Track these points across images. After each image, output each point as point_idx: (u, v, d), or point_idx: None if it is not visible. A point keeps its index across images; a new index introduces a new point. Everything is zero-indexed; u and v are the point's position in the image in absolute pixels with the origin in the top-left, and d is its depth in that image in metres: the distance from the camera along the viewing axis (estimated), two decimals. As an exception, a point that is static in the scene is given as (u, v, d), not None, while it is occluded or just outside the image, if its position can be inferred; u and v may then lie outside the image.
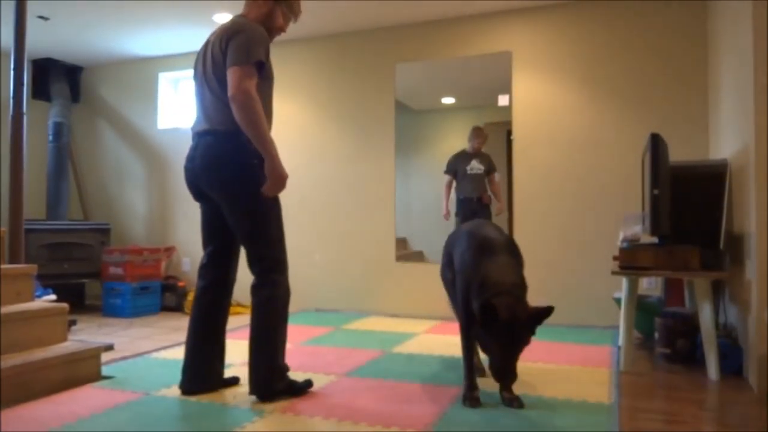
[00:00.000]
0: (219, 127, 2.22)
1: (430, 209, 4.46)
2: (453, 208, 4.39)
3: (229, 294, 2.45)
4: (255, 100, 2.11)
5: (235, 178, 2.21)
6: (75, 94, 5.56)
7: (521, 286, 2.11)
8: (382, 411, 2.13)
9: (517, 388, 2.38)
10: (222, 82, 2.20)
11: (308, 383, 2.39)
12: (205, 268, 2.41)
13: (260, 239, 2.26)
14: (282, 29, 2.41)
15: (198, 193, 2.36)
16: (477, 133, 4.36)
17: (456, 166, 4.43)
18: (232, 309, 4.52)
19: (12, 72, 2.82)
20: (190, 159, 2.31)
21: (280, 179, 2.18)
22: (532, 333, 2.03)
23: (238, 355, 3.06)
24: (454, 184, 4.41)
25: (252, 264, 2.28)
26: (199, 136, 2.29)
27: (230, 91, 2.11)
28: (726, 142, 3.18)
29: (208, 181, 2.26)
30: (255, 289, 2.27)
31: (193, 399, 2.27)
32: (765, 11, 2.46)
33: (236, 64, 2.13)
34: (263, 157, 2.16)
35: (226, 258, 2.41)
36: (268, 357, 2.24)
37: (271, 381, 2.25)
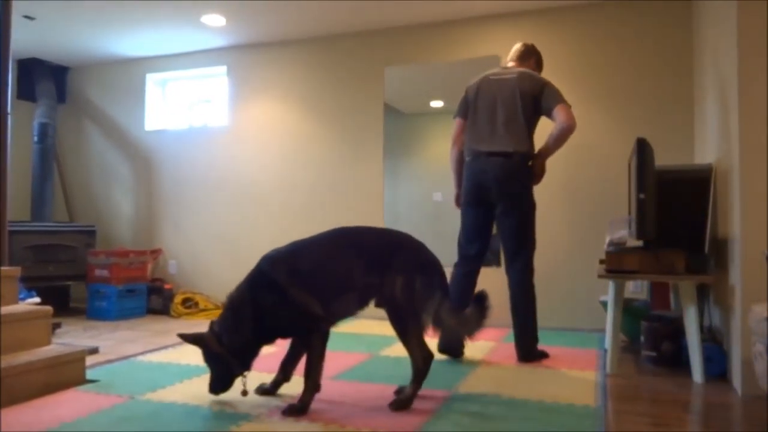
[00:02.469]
0: (517, 149, 2.91)
1: (419, 212, 4.47)
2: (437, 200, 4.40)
3: (476, 281, 3.05)
4: (575, 128, 2.87)
5: (519, 190, 2.94)
6: (61, 94, 5.50)
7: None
8: (369, 415, 2.12)
9: (505, 391, 2.39)
10: (527, 118, 2.94)
11: (545, 354, 3.04)
12: (467, 259, 3.05)
13: (523, 237, 2.96)
14: None
15: (478, 199, 2.99)
16: None
17: None
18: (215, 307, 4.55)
19: (-3, 72, 2.79)
20: (482, 172, 2.95)
21: (543, 174, 3.08)
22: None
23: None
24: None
25: (513, 258, 2.96)
26: (490, 154, 2.93)
27: (565, 120, 2.85)
28: (711, 146, 3.22)
29: (497, 190, 2.92)
30: (518, 283, 2.94)
31: (179, 403, 2.26)
32: (750, 12, 2.48)
33: (562, 103, 2.90)
34: (545, 157, 3.02)
35: (485, 253, 3.08)
36: (531, 329, 2.97)
37: (533, 348, 2.97)
